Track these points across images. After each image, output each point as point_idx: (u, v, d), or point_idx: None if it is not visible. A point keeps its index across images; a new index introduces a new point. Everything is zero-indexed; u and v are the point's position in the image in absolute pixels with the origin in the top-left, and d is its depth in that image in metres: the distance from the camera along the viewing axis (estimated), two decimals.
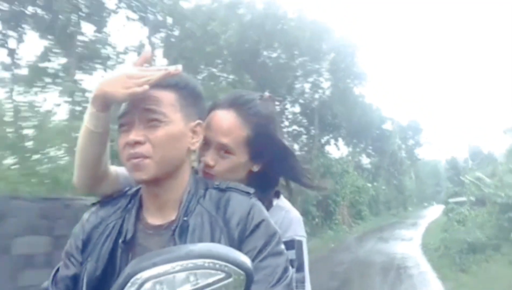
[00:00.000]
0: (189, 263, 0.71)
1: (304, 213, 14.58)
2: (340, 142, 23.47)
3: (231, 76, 15.37)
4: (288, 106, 19.11)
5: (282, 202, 1.22)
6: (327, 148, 21.80)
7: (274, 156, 1.18)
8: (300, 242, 1.15)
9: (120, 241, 0.96)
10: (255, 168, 1.18)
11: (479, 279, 6.77)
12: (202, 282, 0.71)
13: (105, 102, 0.96)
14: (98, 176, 1.06)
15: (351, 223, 20.07)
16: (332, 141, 22.38)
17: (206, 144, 1.11)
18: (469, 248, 9.44)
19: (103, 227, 1.01)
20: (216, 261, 0.72)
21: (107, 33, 10.10)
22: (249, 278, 0.74)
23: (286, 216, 1.16)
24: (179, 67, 0.96)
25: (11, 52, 8.90)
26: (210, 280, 0.71)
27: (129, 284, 0.70)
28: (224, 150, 1.13)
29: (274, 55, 17.21)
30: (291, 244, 1.10)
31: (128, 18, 10.96)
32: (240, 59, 14.09)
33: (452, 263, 9.10)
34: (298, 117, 20.10)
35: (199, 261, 0.72)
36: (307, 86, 19.96)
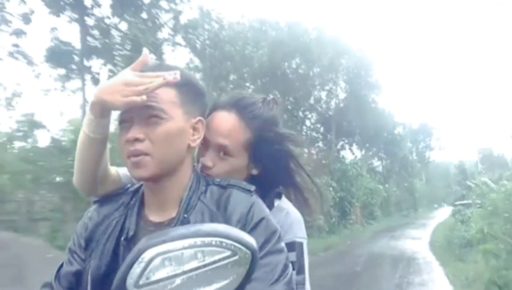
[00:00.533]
0: (197, 241, 0.75)
1: (324, 213, 16.70)
2: (354, 146, 25.55)
3: (252, 87, 17.51)
4: (307, 113, 21.24)
5: (283, 203, 1.22)
6: (342, 152, 23.86)
7: (274, 161, 1.18)
8: (300, 244, 1.16)
9: (122, 238, 0.98)
10: (255, 172, 1.18)
11: (471, 266, 8.87)
12: (208, 259, 0.74)
13: (103, 109, 0.96)
14: (98, 179, 1.07)
15: (364, 223, 21.91)
16: (347, 146, 24.52)
17: (205, 144, 1.11)
18: (466, 243, 11.50)
19: (106, 225, 1.02)
20: (223, 240, 0.76)
21: (164, 59, 12.39)
22: (254, 257, 0.78)
23: (287, 217, 1.17)
24: (177, 74, 0.95)
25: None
26: (217, 257, 0.75)
27: (139, 259, 0.74)
28: (224, 152, 1.12)
29: (294, 65, 19.36)
30: (291, 246, 1.11)
31: (175, 43, 13.23)
32: (267, 72, 16.26)
33: (453, 254, 11.08)
34: (316, 124, 22.20)
35: (207, 239, 0.75)
36: (323, 94, 22.08)
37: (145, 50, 0.98)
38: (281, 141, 1.19)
